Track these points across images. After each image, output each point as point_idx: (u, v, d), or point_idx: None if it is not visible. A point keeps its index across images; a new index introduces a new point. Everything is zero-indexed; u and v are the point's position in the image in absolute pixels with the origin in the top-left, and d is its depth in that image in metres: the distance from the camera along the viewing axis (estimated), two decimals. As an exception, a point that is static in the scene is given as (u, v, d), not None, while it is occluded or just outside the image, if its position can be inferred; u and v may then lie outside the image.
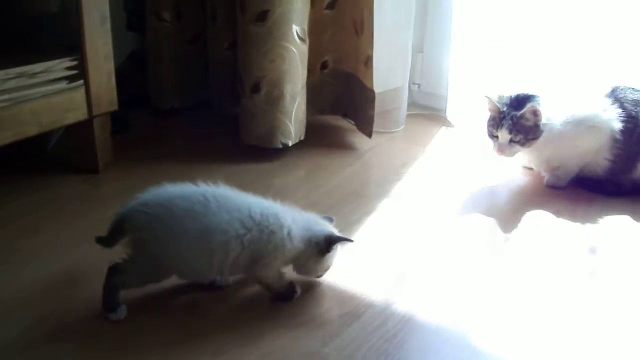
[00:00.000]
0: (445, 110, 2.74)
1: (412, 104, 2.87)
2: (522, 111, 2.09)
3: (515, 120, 2.10)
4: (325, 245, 1.54)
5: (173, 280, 1.54)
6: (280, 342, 1.44)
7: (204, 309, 1.54)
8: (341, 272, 1.68)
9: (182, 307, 1.55)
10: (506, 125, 2.11)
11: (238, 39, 2.32)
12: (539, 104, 2.12)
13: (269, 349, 1.41)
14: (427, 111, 2.86)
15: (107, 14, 2.06)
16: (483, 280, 1.72)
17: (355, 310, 1.55)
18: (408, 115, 2.76)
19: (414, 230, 1.95)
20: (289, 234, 1.50)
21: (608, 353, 1.47)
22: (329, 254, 1.56)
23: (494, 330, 1.52)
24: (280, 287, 1.57)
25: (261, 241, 1.48)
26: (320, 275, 1.64)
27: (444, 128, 2.73)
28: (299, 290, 1.59)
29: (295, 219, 1.54)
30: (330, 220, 1.64)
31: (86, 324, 1.47)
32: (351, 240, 1.62)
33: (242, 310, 1.55)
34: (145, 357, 1.38)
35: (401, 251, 1.83)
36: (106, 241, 1.49)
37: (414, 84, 2.87)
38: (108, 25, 2.08)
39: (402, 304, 1.58)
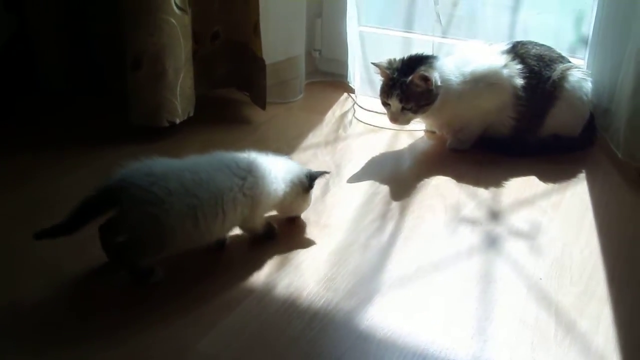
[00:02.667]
0: (347, 76, 2.65)
1: (314, 72, 2.78)
2: (409, 78, 2.01)
3: (405, 88, 2.02)
4: (308, 182, 1.69)
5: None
6: (151, 340, 1.36)
7: (70, 302, 1.49)
8: (223, 258, 1.62)
9: (44, 300, 1.48)
10: (396, 94, 2.03)
11: (118, 13, 2.19)
12: (431, 66, 2.05)
13: (138, 349, 1.33)
14: (330, 78, 2.76)
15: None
16: (374, 253, 1.66)
17: (235, 297, 1.49)
18: (310, 83, 2.68)
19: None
20: (276, 177, 1.61)
21: (508, 314, 1.45)
22: (311, 190, 1.71)
23: (382, 308, 1.47)
24: (265, 228, 1.67)
25: (257, 186, 1.56)
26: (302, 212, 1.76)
27: (345, 95, 2.64)
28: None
29: (276, 165, 1.64)
30: (289, 157, 1.78)
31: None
32: (328, 172, 1.78)
33: (111, 308, 1.47)
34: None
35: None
36: (66, 227, 1.44)
37: (314, 50, 2.77)
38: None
39: (284, 288, 1.52)
